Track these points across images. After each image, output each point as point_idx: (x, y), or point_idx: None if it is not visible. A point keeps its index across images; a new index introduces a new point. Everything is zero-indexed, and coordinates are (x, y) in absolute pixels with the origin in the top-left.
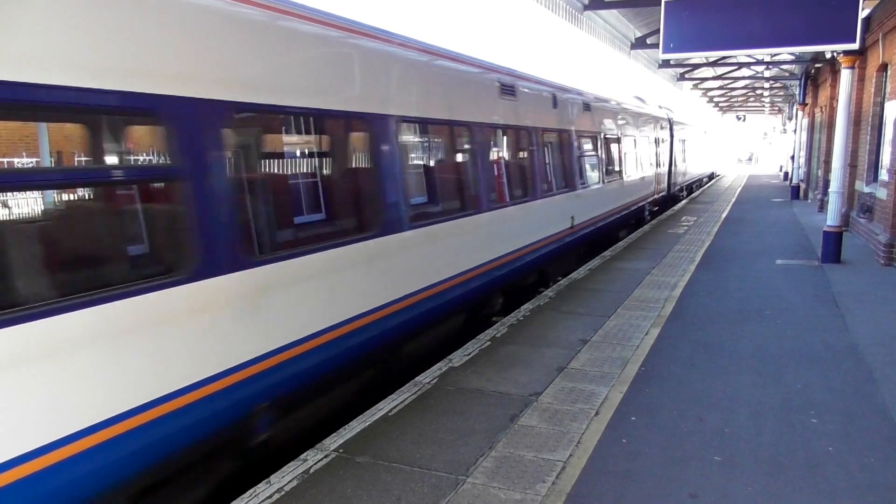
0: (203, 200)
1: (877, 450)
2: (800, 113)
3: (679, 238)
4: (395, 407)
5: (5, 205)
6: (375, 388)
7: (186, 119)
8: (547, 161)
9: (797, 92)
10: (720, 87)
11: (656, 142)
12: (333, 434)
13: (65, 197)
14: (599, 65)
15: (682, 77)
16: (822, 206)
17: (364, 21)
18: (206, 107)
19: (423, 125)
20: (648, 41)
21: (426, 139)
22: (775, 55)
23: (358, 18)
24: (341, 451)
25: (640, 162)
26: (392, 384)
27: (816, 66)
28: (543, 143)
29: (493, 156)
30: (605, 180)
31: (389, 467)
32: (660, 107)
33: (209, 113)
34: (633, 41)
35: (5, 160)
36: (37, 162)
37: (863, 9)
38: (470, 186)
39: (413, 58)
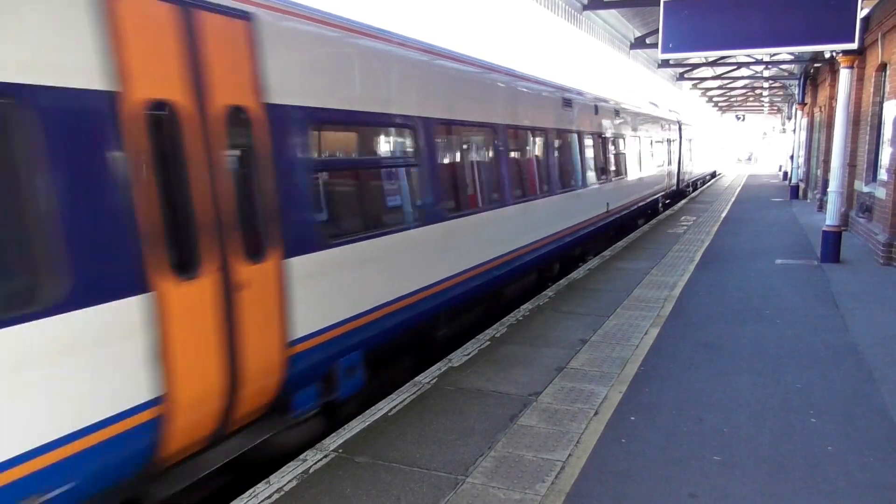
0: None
1: (876, 449)
2: (799, 112)
3: (678, 238)
4: (394, 407)
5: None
6: (486, 318)
7: (421, 125)
8: (591, 158)
9: (796, 92)
10: (719, 87)
11: (668, 142)
12: (333, 434)
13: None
14: (599, 65)
15: (681, 77)
16: (822, 206)
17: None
18: (429, 122)
19: (523, 131)
20: (648, 41)
21: (520, 141)
22: (774, 55)
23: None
24: (341, 451)
25: (656, 160)
26: (495, 315)
27: (815, 65)
28: (588, 143)
29: (557, 154)
30: (631, 175)
31: (389, 467)
32: (670, 110)
33: (427, 124)
34: (633, 41)
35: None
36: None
37: (861, 8)
38: (543, 176)
39: (520, 85)
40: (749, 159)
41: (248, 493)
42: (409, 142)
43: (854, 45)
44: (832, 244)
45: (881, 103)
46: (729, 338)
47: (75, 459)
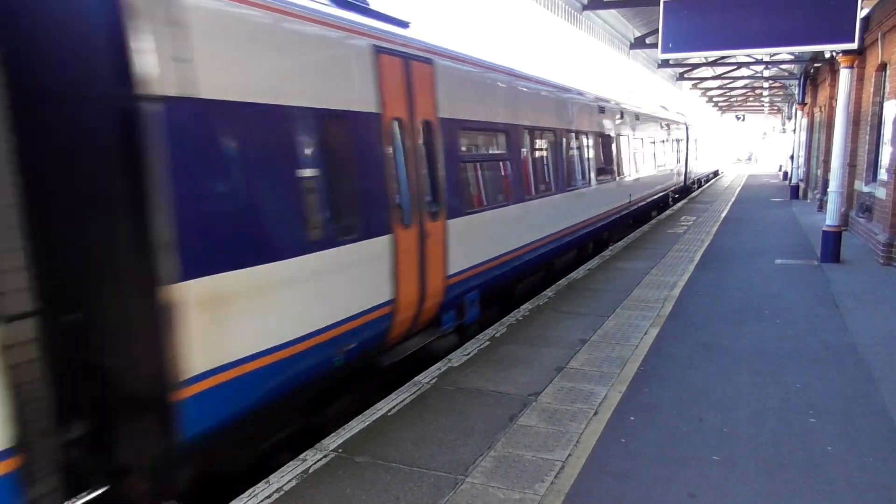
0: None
1: (876, 450)
2: (799, 112)
3: (678, 238)
4: (394, 407)
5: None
6: (543, 282)
7: (513, 133)
8: (619, 155)
9: (796, 92)
10: (719, 87)
11: (677, 143)
12: (333, 434)
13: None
14: (598, 64)
15: (681, 77)
16: (822, 206)
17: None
18: (517, 127)
19: (575, 134)
20: (647, 41)
21: (573, 142)
22: (774, 55)
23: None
24: (340, 450)
25: (668, 159)
26: (550, 280)
27: (815, 65)
28: (618, 144)
29: (593, 152)
30: (648, 172)
31: (388, 467)
32: (678, 112)
33: (520, 129)
34: (633, 41)
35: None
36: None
37: (861, 8)
38: (587, 170)
39: (573, 97)
40: (749, 159)
41: (247, 493)
42: (502, 141)
43: (854, 45)
44: (832, 244)
45: (881, 103)
46: (728, 338)
47: (357, 329)
